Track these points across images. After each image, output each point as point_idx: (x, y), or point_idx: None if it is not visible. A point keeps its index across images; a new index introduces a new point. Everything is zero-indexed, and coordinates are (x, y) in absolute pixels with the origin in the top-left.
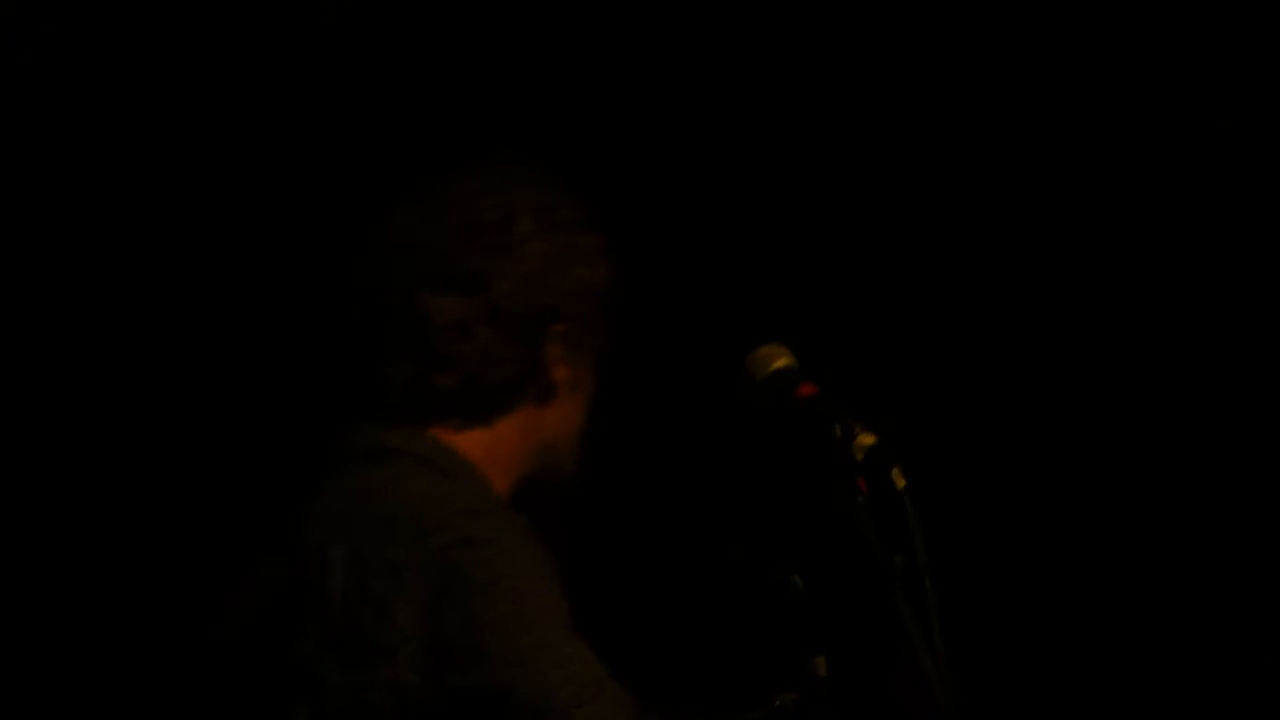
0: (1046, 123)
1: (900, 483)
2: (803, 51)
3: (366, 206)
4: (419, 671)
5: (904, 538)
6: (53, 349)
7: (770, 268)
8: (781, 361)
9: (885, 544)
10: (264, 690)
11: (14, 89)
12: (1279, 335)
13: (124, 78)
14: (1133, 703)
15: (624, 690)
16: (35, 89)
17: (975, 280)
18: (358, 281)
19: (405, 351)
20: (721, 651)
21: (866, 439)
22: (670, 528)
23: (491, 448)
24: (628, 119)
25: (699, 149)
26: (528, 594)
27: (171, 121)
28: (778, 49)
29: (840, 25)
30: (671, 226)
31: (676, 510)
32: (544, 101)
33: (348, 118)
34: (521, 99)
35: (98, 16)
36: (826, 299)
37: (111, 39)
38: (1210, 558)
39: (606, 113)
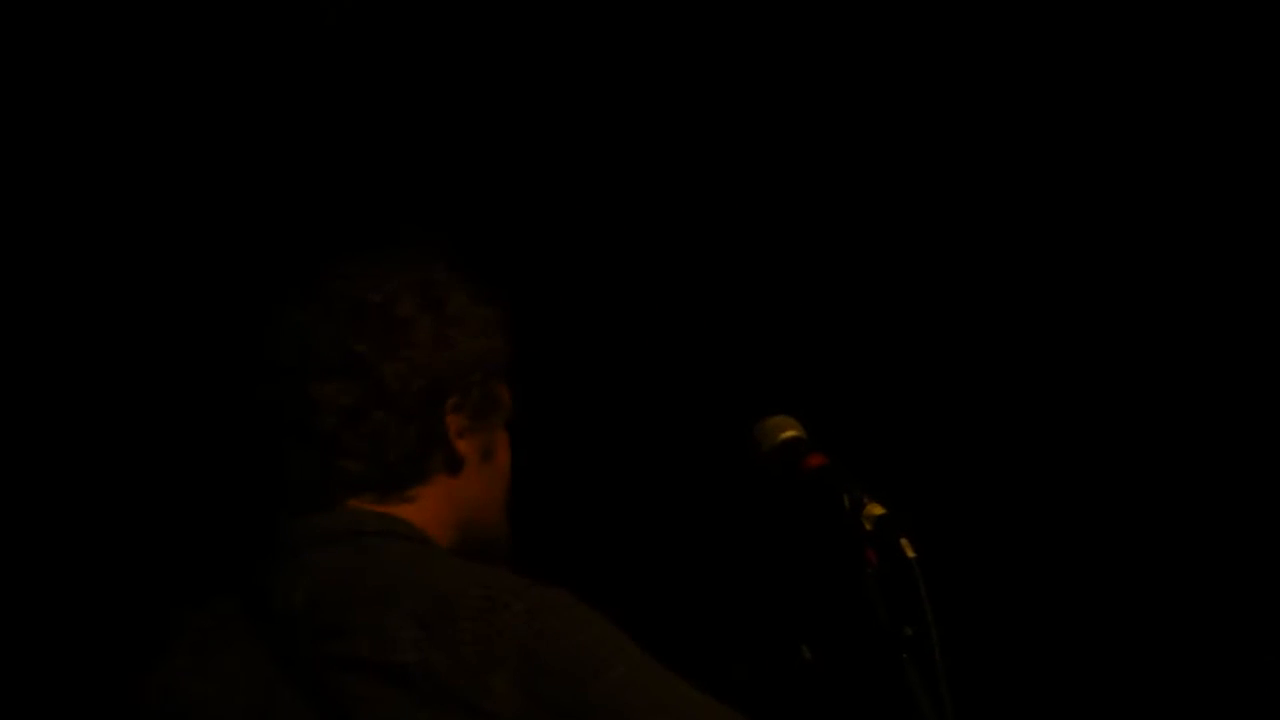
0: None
1: (909, 553)
2: (815, 100)
3: (261, 292)
4: None
5: (913, 608)
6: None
7: (777, 338)
8: (790, 432)
9: (894, 614)
10: None
11: (14, 89)
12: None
13: (115, 77)
14: None
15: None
16: (29, 89)
17: (978, 354)
18: (254, 375)
19: (305, 441)
20: None
21: (875, 509)
22: (680, 601)
23: (423, 520)
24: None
25: (705, 215)
26: (627, 647)
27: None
28: (788, 103)
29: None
30: (680, 296)
31: (686, 585)
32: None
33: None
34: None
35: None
36: (833, 370)
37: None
38: (1216, 587)
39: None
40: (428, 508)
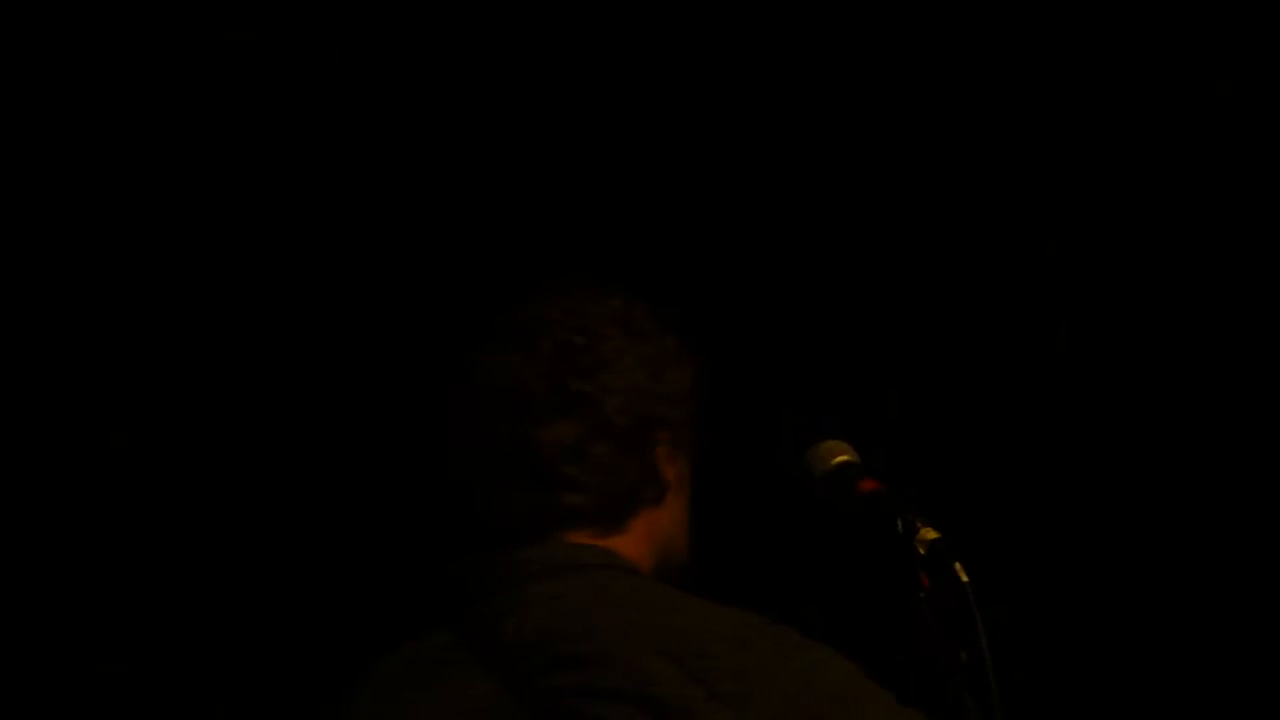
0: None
1: (963, 577)
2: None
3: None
4: None
5: (967, 632)
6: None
7: (825, 361)
8: (843, 457)
9: (948, 639)
10: None
11: (13, 89)
12: None
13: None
14: None
15: None
16: (33, 89)
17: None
18: (466, 427)
19: (530, 482)
20: None
21: (929, 534)
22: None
23: (631, 550)
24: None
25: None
26: (870, 684)
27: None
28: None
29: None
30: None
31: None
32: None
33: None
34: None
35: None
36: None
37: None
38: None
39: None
40: (637, 539)
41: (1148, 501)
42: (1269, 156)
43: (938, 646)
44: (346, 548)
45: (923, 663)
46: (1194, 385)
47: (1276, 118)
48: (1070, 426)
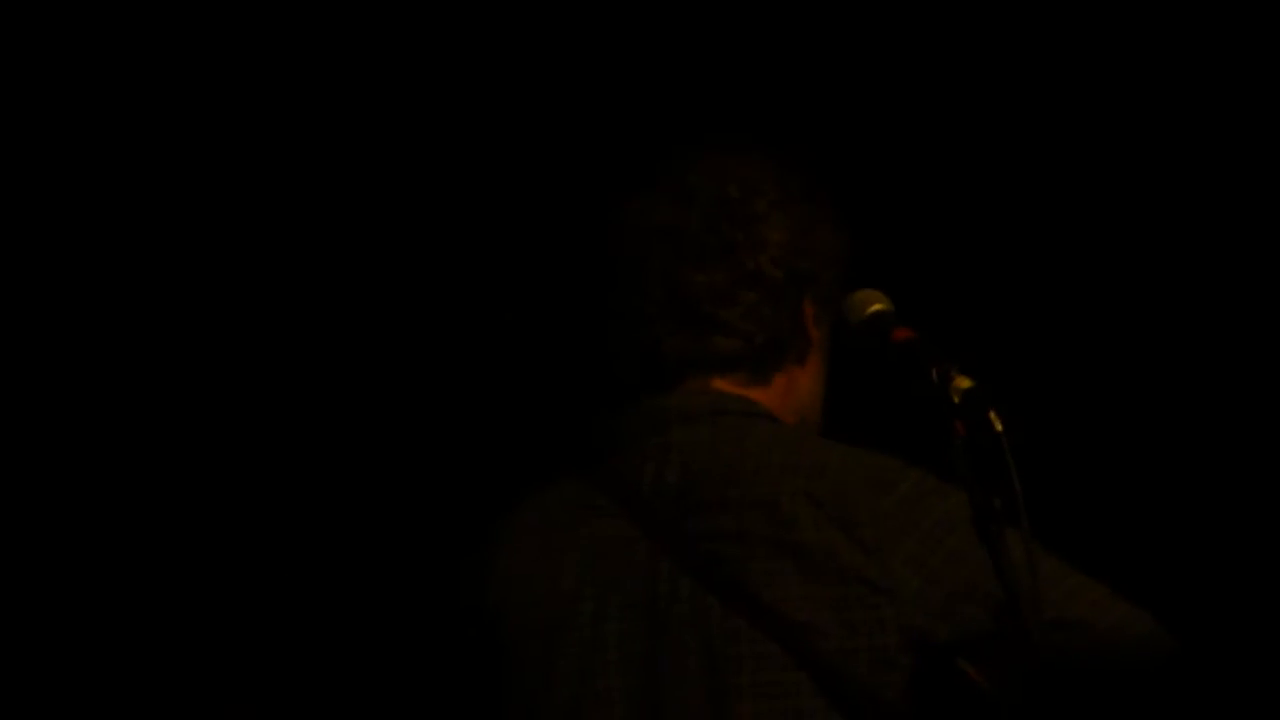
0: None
1: (998, 425)
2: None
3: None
4: (928, 614)
5: (1001, 480)
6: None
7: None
8: (877, 305)
9: (983, 486)
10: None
11: (12, 88)
12: None
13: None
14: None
15: None
16: (33, 89)
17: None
18: (618, 266)
19: (680, 323)
20: None
21: (963, 382)
22: None
23: (772, 403)
24: None
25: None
26: (1010, 533)
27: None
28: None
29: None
30: None
31: None
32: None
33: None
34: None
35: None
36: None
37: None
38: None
39: None
40: (778, 393)
41: (1173, 347)
42: None
43: (972, 494)
44: (349, 547)
45: None
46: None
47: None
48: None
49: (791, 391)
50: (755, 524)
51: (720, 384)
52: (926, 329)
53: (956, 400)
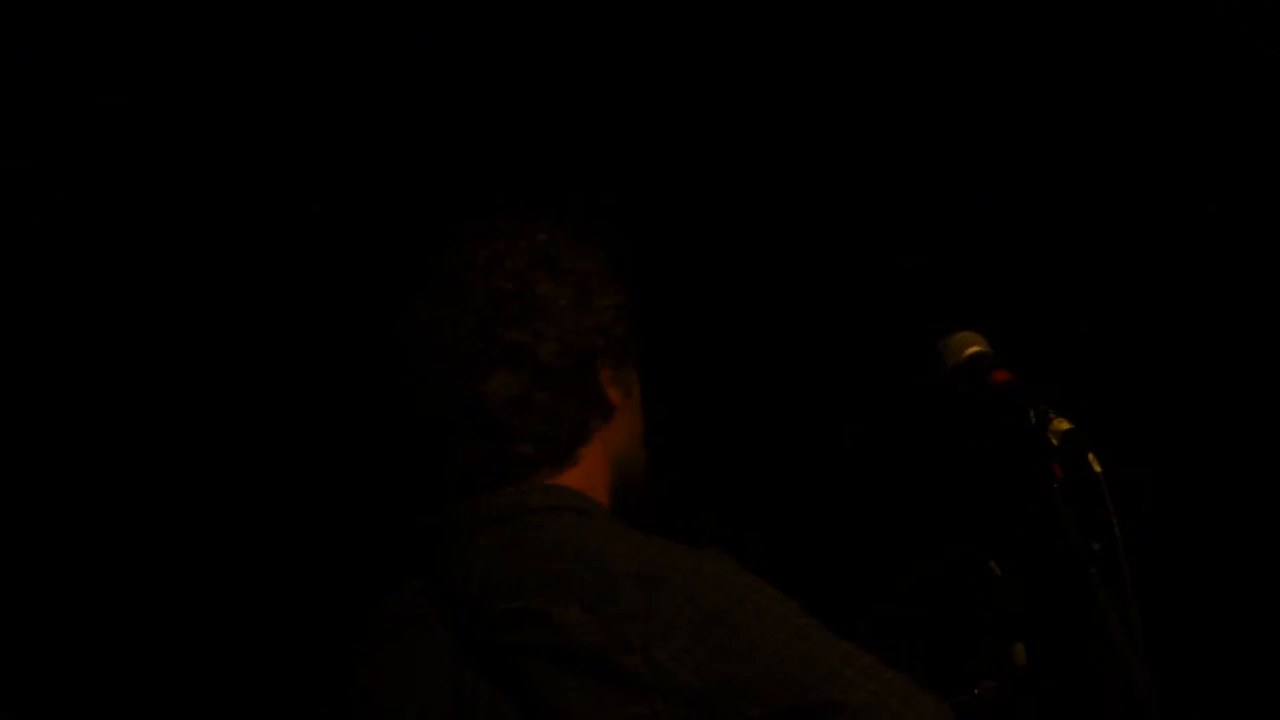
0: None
1: (1096, 467)
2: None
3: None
4: (700, 709)
5: (1100, 523)
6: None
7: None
8: (975, 347)
9: (1082, 529)
10: None
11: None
12: None
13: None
14: None
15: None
16: (47, 89)
17: (1156, 271)
18: (407, 376)
19: (477, 433)
20: (922, 639)
21: (1061, 424)
22: (871, 515)
23: (588, 478)
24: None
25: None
26: (789, 614)
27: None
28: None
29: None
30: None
31: (877, 497)
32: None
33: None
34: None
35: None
36: (1014, 286)
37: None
38: None
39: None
40: (590, 467)
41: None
42: None
43: (1071, 537)
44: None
45: (1056, 554)
46: None
47: None
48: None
49: (606, 452)
50: (535, 634)
51: (532, 479)
52: (1022, 370)
53: (1055, 442)
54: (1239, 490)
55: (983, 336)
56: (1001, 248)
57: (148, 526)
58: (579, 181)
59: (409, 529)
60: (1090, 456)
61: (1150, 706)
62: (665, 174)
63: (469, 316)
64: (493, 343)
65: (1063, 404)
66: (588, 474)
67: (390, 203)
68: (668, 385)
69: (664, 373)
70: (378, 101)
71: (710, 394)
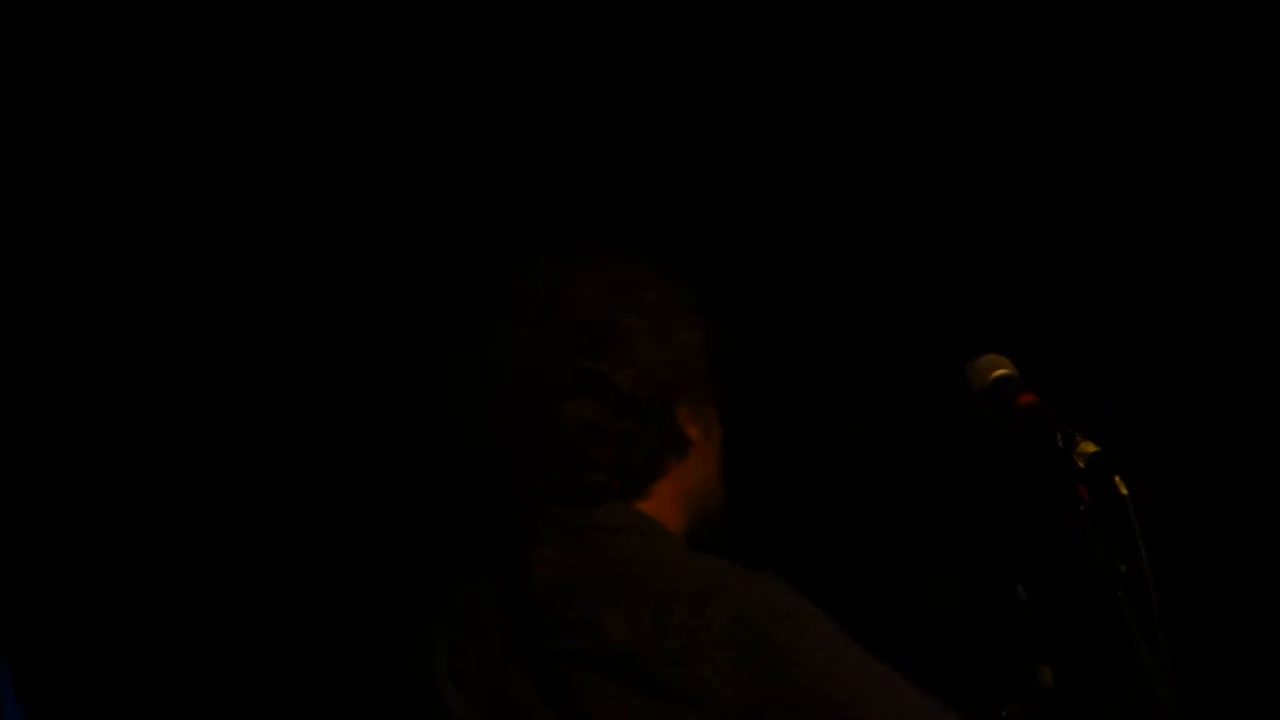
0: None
1: (1123, 490)
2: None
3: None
4: None
5: (1127, 545)
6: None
7: (986, 281)
8: (1001, 370)
9: (1109, 552)
10: None
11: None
12: None
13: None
14: None
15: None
16: (43, 87)
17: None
18: (478, 405)
19: (548, 458)
20: (948, 662)
21: (1088, 447)
22: (897, 537)
23: (659, 511)
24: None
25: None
26: (831, 635)
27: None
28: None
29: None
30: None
31: (903, 519)
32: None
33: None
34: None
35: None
36: (1040, 308)
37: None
38: None
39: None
40: (663, 501)
41: None
42: None
43: (1098, 560)
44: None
45: (1083, 576)
46: None
47: None
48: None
49: (681, 490)
50: (582, 641)
51: (604, 507)
52: (1049, 393)
53: (1082, 465)
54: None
55: (1009, 359)
56: (1015, 257)
57: (156, 527)
58: (594, 193)
59: (479, 527)
60: (1117, 479)
61: None
62: (675, 179)
63: (548, 343)
64: (571, 370)
65: (1090, 427)
66: (658, 508)
67: (401, 211)
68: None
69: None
70: (393, 109)
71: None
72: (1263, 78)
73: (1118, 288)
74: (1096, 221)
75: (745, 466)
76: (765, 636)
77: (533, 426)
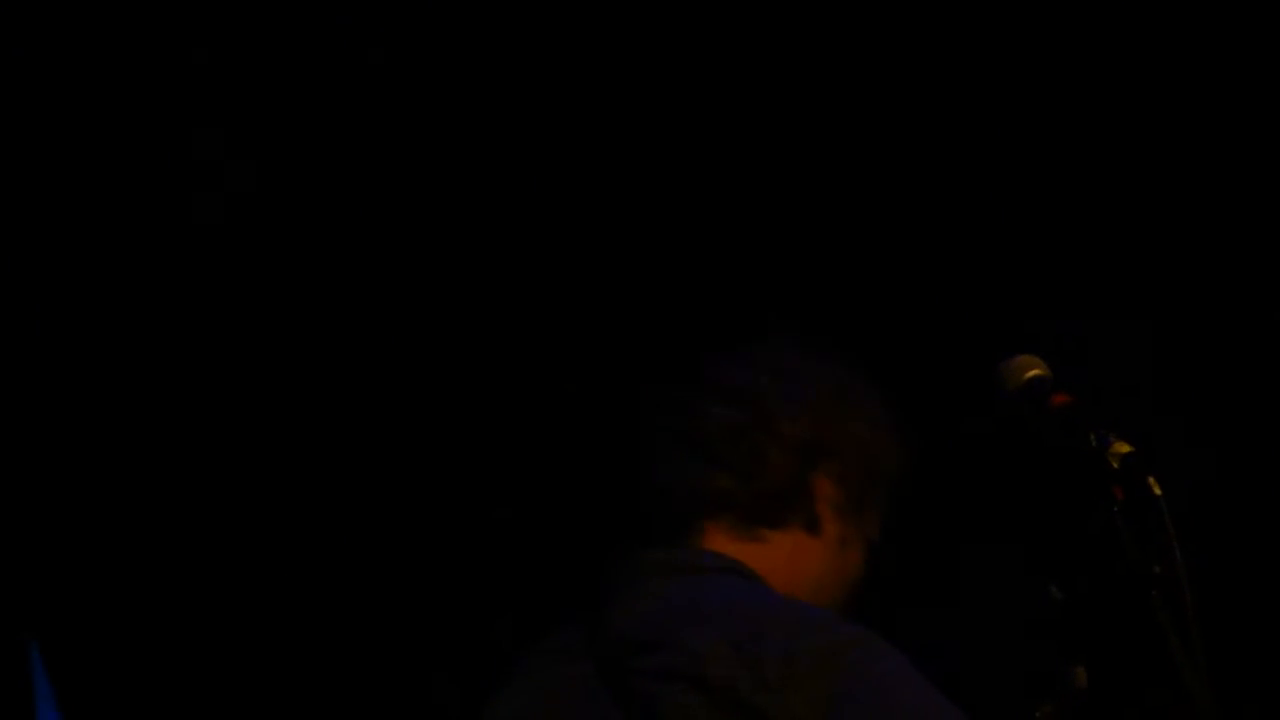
0: None
1: (1157, 490)
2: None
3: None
4: None
5: (1161, 545)
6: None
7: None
8: (1035, 370)
9: (1143, 552)
10: None
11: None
12: None
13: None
14: None
15: None
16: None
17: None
18: (644, 400)
19: (686, 453)
20: (982, 663)
21: (1122, 447)
22: (928, 538)
23: (764, 564)
24: None
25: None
26: (925, 687)
27: None
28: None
29: None
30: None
31: (935, 522)
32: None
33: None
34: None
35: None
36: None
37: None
38: None
39: None
40: (773, 555)
41: None
42: None
43: (1132, 560)
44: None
45: (1116, 576)
46: None
47: None
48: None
49: (798, 560)
50: (674, 661)
51: (718, 527)
52: (1083, 394)
53: (1115, 465)
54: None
55: (1042, 359)
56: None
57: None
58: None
59: (580, 572)
60: (1151, 479)
61: None
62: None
63: (728, 370)
64: (736, 383)
65: (1123, 427)
66: (766, 563)
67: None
68: None
69: None
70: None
71: None
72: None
73: (1154, 288)
74: (1138, 223)
75: None
76: (856, 673)
77: (681, 421)
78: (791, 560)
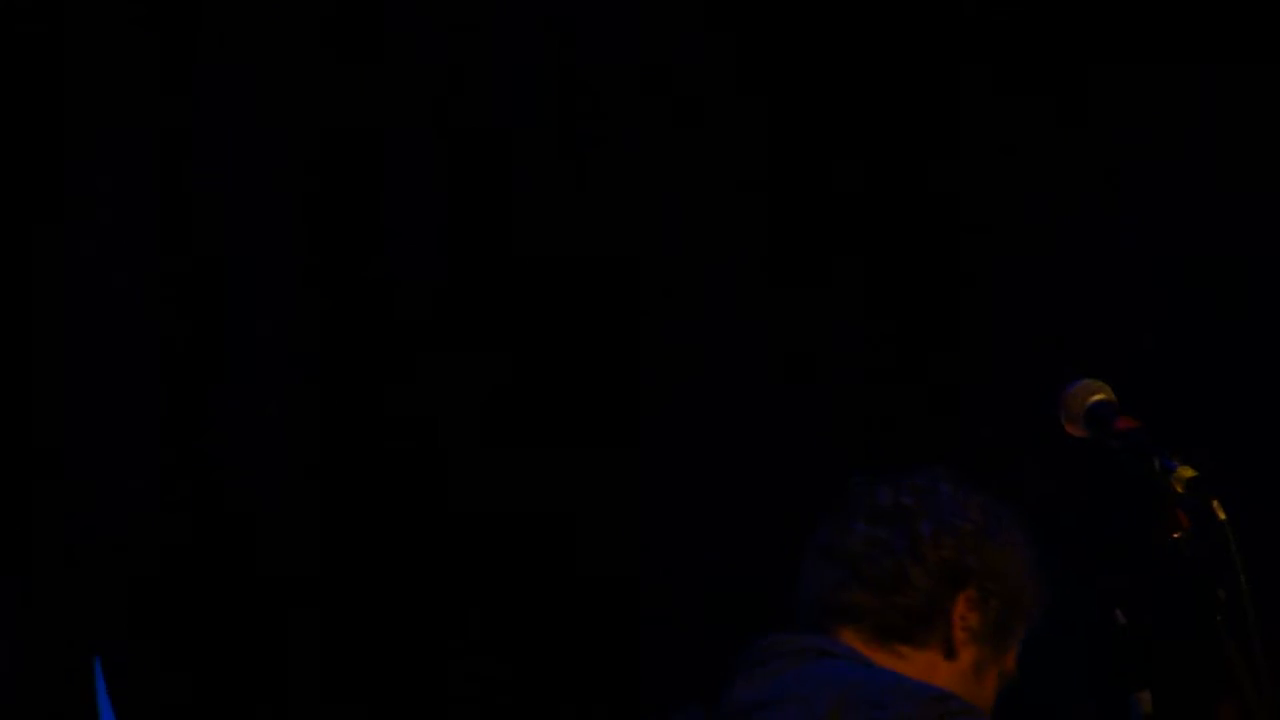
0: None
1: (1221, 515)
2: None
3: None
4: None
5: (1226, 570)
6: None
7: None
8: (1100, 395)
9: (1208, 577)
10: None
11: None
12: None
13: None
14: None
15: None
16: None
17: None
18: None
19: (829, 566)
20: (1048, 688)
21: (1186, 472)
22: None
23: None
24: None
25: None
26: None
27: None
28: None
29: None
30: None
31: None
32: None
33: None
34: None
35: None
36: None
37: None
38: None
39: None
40: (906, 670)
41: None
42: None
43: (1197, 585)
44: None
45: (1182, 601)
46: None
47: None
48: None
49: (930, 680)
50: (797, 716)
51: (849, 636)
52: (1147, 419)
53: (1180, 490)
54: None
55: (1106, 384)
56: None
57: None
58: None
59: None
60: (1215, 503)
61: None
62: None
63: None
64: (891, 502)
65: (1187, 452)
66: (907, 671)
67: None
68: None
69: None
70: None
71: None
72: None
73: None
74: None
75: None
76: None
77: (829, 533)
78: (924, 677)
